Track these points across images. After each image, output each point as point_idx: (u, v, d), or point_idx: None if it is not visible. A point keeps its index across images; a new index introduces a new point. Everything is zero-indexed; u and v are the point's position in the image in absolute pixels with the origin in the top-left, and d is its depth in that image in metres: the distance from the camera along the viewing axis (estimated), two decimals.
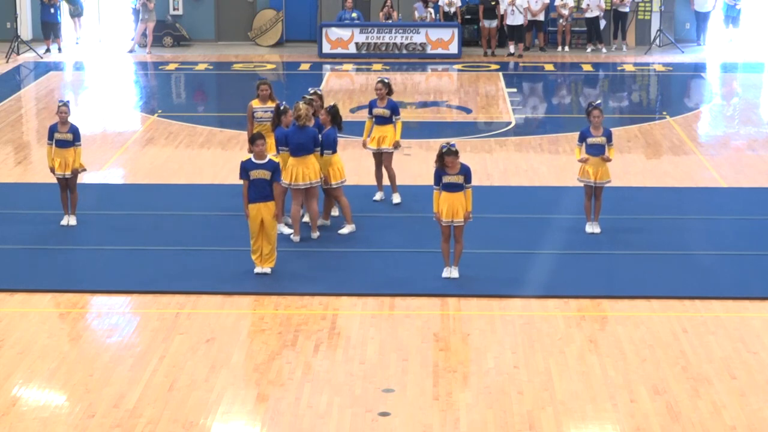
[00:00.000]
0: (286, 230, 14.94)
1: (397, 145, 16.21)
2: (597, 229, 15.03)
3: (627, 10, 29.76)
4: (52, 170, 15.37)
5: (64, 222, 15.36)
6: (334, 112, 15.16)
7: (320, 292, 13.20)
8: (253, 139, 13.66)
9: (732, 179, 17.96)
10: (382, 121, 16.22)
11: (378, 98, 16.23)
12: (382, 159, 16.32)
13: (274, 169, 13.52)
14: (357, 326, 12.33)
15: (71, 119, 15.40)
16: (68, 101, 15.48)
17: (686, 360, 11.49)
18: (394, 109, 16.23)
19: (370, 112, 16.28)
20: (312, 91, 15.66)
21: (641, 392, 10.79)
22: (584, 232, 15.06)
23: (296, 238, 14.72)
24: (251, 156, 13.60)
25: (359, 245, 14.77)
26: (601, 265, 14.07)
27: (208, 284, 13.45)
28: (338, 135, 15.20)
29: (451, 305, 12.91)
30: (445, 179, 13.32)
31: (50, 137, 15.33)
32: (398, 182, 16.41)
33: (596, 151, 14.88)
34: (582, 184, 15.04)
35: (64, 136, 15.23)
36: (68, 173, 15.24)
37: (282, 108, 15.02)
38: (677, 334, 12.10)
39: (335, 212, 15.61)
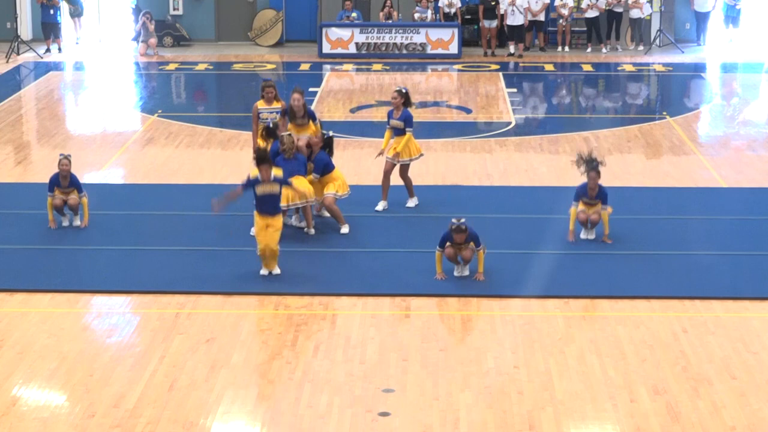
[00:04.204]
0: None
1: (396, 156, 15.83)
2: (591, 236, 14.90)
3: (621, 10, 29.74)
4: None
5: (65, 222, 15.34)
6: (328, 142, 15.19)
7: (320, 292, 13.21)
8: (258, 162, 13.41)
9: (732, 179, 17.96)
10: (398, 132, 15.83)
11: (394, 108, 15.86)
12: (393, 168, 15.96)
13: (281, 181, 13.52)
14: (357, 326, 12.32)
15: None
16: (69, 155, 15.32)
17: (686, 360, 11.49)
18: (407, 120, 15.79)
19: (388, 122, 15.97)
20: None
21: (641, 392, 10.79)
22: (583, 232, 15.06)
23: (311, 230, 14.88)
24: (258, 175, 13.44)
25: (359, 245, 14.76)
26: (601, 265, 14.06)
27: (208, 284, 13.45)
28: (335, 136, 15.14)
29: (451, 305, 12.90)
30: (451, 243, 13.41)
31: (51, 189, 15.09)
32: (396, 183, 16.30)
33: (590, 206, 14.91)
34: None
35: (66, 191, 15.11)
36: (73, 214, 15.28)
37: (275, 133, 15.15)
38: (677, 334, 12.10)
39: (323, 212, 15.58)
